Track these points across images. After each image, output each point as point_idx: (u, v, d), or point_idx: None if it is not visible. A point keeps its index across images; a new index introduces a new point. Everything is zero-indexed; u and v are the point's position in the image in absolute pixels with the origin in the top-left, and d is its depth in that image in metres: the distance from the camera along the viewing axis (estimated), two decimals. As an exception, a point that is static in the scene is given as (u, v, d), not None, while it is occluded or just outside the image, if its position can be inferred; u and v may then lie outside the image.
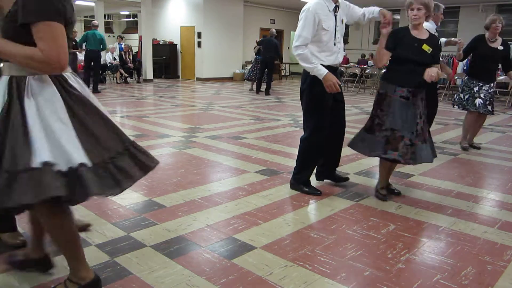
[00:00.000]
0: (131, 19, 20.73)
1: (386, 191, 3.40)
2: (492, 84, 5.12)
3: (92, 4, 15.01)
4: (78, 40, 10.38)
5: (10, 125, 1.59)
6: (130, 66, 13.56)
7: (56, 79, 1.68)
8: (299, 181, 3.47)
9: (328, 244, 2.53)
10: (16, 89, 1.63)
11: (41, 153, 1.56)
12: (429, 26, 3.96)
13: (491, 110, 5.09)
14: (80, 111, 1.71)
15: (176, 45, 15.45)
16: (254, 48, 11.38)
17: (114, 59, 13.10)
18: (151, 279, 2.09)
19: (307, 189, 3.43)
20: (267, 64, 10.86)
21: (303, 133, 3.46)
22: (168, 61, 15.38)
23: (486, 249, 2.52)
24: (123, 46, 13.80)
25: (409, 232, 2.73)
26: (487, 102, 5.03)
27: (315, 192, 3.41)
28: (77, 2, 15.27)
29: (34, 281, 2.04)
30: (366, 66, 13.79)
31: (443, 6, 4.75)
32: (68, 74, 1.75)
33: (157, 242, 2.48)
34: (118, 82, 13.27)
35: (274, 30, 11.33)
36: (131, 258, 2.28)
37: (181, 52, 15.41)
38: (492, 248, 2.53)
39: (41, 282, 2.03)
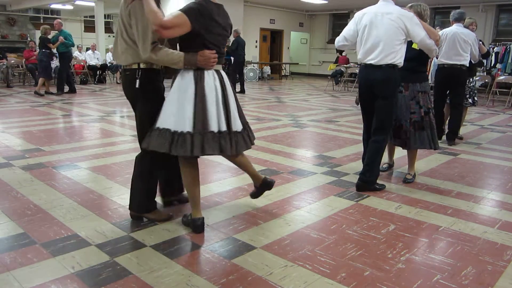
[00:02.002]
0: (131, 19, 20.69)
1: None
2: (470, 79, 5.82)
3: (92, 4, 14.99)
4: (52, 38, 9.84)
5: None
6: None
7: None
8: (374, 180, 3.51)
9: (328, 244, 2.53)
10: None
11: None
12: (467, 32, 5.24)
13: (471, 102, 5.90)
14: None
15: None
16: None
17: (114, 59, 13.09)
18: (151, 279, 2.09)
19: (378, 186, 3.56)
20: (242, 63, 11.11)
21: (373, 135, 3.53)
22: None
23: (486, 249, 2.52)
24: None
25: (409, 232, 2.73)
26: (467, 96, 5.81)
27: (382, 187, 3.59)
28: (77, 2, 15.27)
29: (34, 281, 2.04)
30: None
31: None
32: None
33: (157, 242, 2.48)
34: (118, 82, 13.25)
35: (238, 28, 11.44)
36: (131, 258, 2.28)
37: (181, 52, 15.40)
38: (492, 248, 2.53)
39: (41, 282, 2.03)
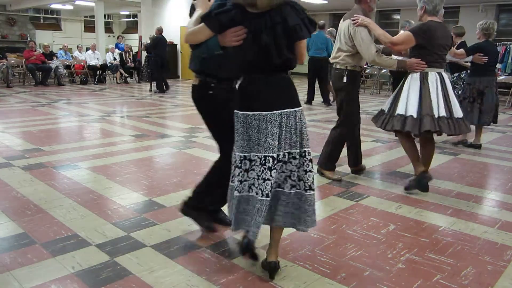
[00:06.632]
0: (131, 19, 20.75)
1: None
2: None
3: (92, 4, 15.02)
4: None
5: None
6: (130, 66, 13.56)
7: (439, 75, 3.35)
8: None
9: (328, 244, 2.53)
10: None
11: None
12: None
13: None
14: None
15: (176, 45, 15.42)
16: (143, 48, 11.31)
17: (114, 59, 13.09)
18: (151, 279, 2.09)
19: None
20: (162, 61, 10.93)
21: None
22: (168, 61, 15.35)
23: (486, 249, 2.52)
24: (124, 46, 13.80)
25: (409, 232, 2.73)
26: None
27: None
28: (77, 2, 15.30)
29: (34, 281, 2.04)
30: (366, 66, 13.74)
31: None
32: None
33: (157, 242, 2.48)
34: (118, 82, 13.26)
35: (161, 27, 11.40)
36: (131, 258, 2.28)
37: (181, 52, 15.37)
38: (492, 248, 2.53)
39: (41, 282, 2.03)
